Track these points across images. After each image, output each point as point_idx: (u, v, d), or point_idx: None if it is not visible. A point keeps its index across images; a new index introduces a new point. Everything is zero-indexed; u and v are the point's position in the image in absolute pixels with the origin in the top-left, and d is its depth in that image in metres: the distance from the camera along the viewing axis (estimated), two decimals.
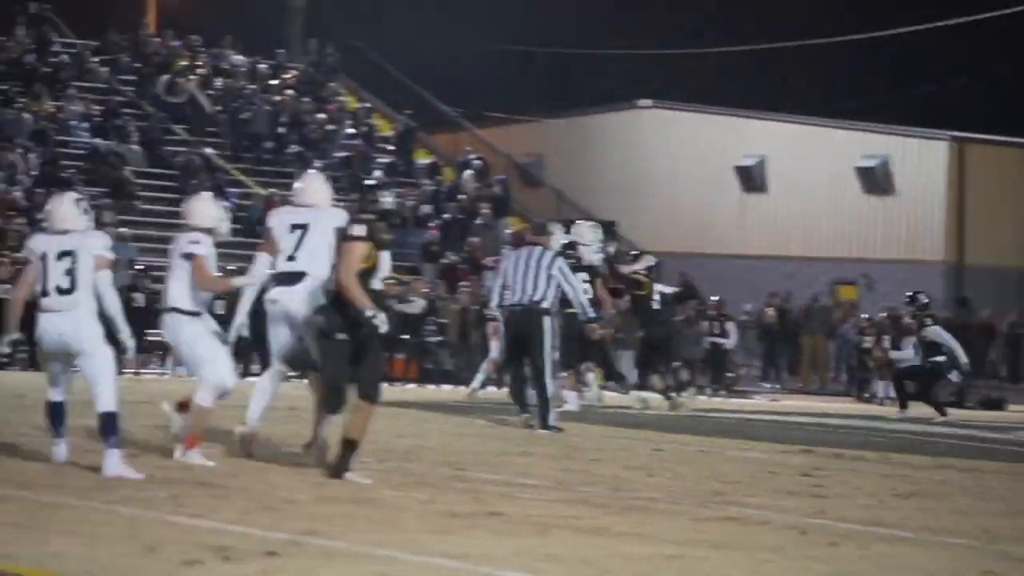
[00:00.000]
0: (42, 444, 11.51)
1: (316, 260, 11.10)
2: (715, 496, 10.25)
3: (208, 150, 35.75)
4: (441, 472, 10.91)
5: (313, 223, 11.27)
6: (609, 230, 40.15)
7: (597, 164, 41.88)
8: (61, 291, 10.18)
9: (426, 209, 36.09)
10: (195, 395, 10.85)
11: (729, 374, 29.04)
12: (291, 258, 11.24)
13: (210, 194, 11.99)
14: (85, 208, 10.52)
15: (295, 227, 11.32)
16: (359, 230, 10.38)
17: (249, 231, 33.62)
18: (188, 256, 10.93)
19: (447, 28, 44.14)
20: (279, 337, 11.34)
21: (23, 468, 9.93)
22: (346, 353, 10.13)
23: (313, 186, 11.57)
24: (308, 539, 7.45)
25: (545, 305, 15.22)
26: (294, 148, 37.03)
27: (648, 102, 41.93)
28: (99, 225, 30.64)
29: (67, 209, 10.41)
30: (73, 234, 10.33)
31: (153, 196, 34.50)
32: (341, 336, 10.15)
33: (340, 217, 11.22)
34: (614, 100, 42.24)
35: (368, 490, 9.56)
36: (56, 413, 10.48)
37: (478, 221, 35.39)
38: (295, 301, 11.15)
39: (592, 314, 16.32)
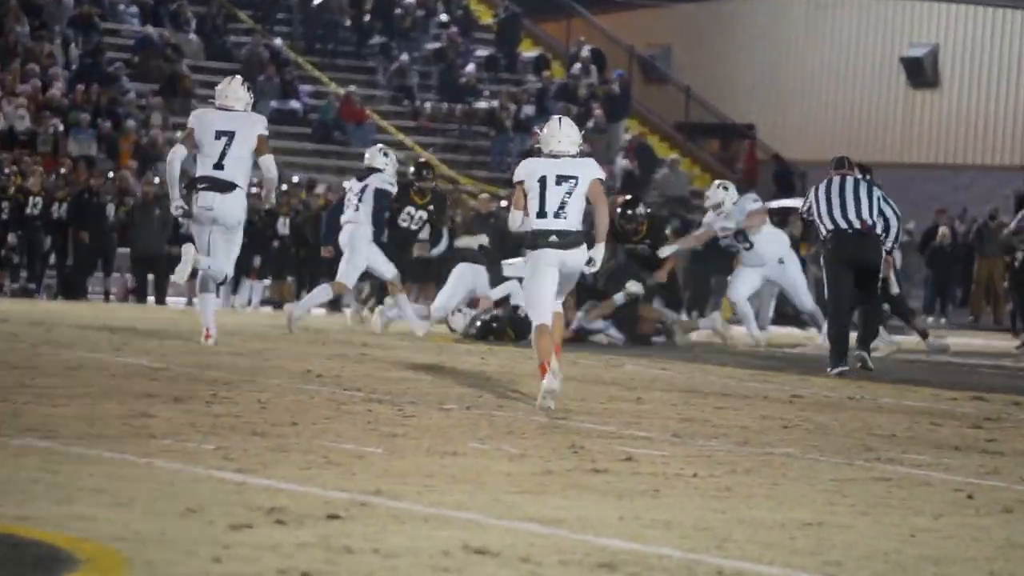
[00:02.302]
0: (70, 386, 11.61)
1: (241, 168, 12.89)
2: (864, 452, 10.17)
3: (277, 40, 35.88)
4: (536, 421, 10.88)
5: (239, 131, 12.98)
6: (747, 134, 40.20)
7: (734, 58, 41.60)
8: None
9: (529, 110, 36.03)
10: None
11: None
12: (218, 166, 12.87)
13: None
14: None
15: (220, 134, 12.96)
16: None
17: (322, 135, 33.78)
18: None
19: None
20: (203, 240, 12.92)
21: (49, 414, 9.99)
22: None
23: (234, 89, 13.40)
24: (377, 500, 7.46)
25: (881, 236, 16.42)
26: (378, 39, 37.05)
27: None
28: (147, 126, 31.18)
29: None
30: None
31: (211, 95, 34.72)
32: None
33: (262, 123, 13.09)
34: None
35: (450, 443, 9.55)
36: None
37: (590, 124, 35.31)
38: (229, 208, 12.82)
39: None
